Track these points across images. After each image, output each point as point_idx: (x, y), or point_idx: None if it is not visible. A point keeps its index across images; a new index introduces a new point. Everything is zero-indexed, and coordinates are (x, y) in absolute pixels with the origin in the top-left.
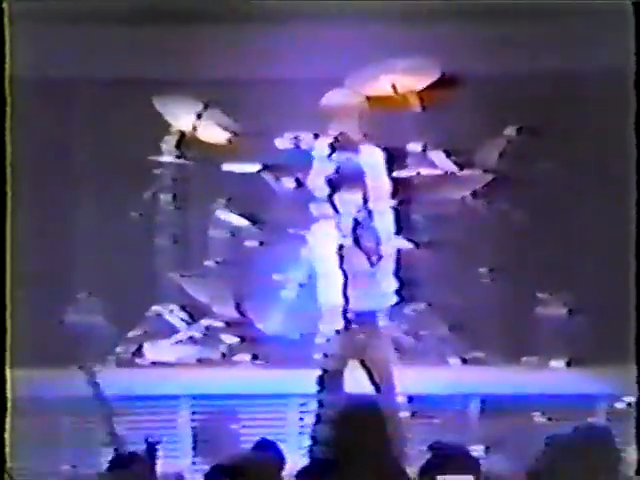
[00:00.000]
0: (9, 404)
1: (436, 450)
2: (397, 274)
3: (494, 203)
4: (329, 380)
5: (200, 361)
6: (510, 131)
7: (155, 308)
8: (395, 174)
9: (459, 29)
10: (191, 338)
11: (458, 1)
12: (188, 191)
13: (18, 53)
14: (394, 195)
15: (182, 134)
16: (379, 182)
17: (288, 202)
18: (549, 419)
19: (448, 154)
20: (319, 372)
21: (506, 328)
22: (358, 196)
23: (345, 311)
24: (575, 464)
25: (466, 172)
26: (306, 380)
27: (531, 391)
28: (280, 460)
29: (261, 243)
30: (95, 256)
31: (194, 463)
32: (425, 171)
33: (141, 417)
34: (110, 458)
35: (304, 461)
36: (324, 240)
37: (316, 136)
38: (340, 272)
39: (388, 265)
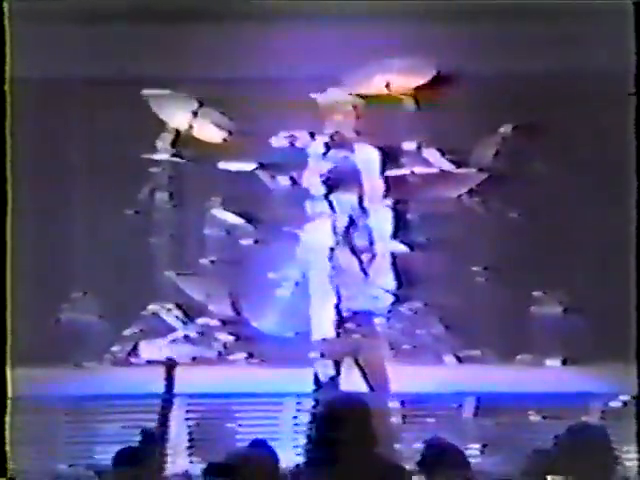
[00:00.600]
0: (9, 402)
1: (429, 446)
2: (392, 274)
3: (489, 202)
4: (325, 379)
5: (195, 360)
6: (505, 129)
7: (151, 307)
8: (390, 173)
9: (455, 28)
10: (187, 337)
11: (456, 1)
12: (184, 189)
13: (17, 53)
14: (389, 194)
15: (178, 133)
16: (374, 181)
17: (283, 200)
18: (544, 417)
19: (443, 153)
20: (314, 371)
21: (501, 327)
22: (353, 195)
23: (338, 310)
24: (571, 463)
25: (461, 170)
26: (302, 379)
27: (526, 389)
28: (274, 458)
29: (256, 241)
30: (91, 255)
31: (190, 462)
32: (420, 170)
33: (137, 415)
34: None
35: (299, 460)
36: (318, 239)
37: (311, 135)
38: (333, 271)
39: (381, 265)
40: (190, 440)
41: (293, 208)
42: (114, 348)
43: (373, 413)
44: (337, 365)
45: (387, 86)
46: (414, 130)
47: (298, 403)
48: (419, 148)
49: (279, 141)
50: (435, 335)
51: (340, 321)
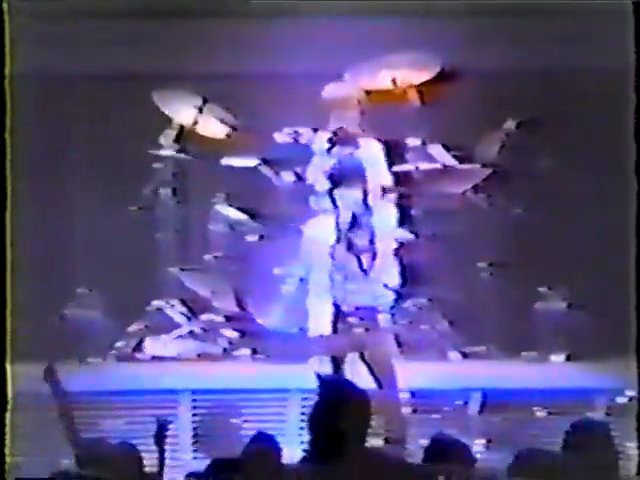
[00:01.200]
0: (10, 399)
1: (434, 442)
2: (396, 270)
3: (493, 197)
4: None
5: (200, 356)
6: (509, 125)
7: (155, 303)
8: (395, 168)
9: (460, 25)
10: (191, 333)
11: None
12: (188, 185)
13: (18, 49)
14: (393, 190)
15: (181, 128)
16: (379, 177)
17: (288, 196)
18: (549, 413)
19: (447, 148)
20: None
21: (506, 323)
22: (358, 191)
23: (337, 306)
24: (574, 459)
25: (465, 166)
26: (307, 374)
27: (531, 385)
28: (278, 453)
29: (261, 237)
30: (95, 251)
31: (195, 458)
32: (424, 165)
33: (141, 412)
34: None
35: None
36: (320, 235)
37: (315, 130)
38: (334, 267)
39: (385, 261)
40: (195, 436)
41: (297, 204)
42: (119, 344)
43: (370, 400)
44: (335, 362)
45: (393, 82)
46: (419, 126)
47: (303, 399)
48: (424, 144)
49: (283, 137)
50: (440, 331)
51: (341, 317)
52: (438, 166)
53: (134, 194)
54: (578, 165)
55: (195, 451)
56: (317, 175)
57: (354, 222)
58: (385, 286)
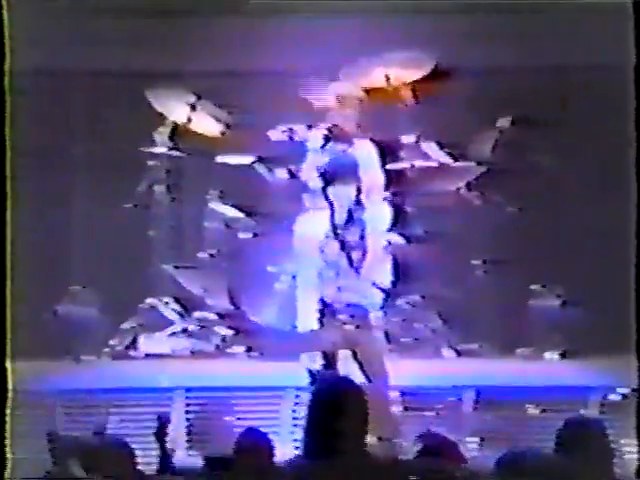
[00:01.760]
0: (9, 395)
1: (424, 439)
2: (387, 268)
3: (487, 195)
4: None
5: (194, 353)
6: (504, 122)
7: (149, 300)
8: (389, 166)
9: (454, 22)
10: (185, 330)
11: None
12: (182, 183)
13: (16, 47)
14: (388, 187)
15: (176, 126)
16: (373, 174)
17: (282, 194)
18: (543, 411)
19: (442, 146)
20: (313, 364)
21: (500, 320)
22: (351, 188)
23: (324, 302)
24: (569, 457)
25: (460, 164)
26: (300, 372)
27: (525, 383)
28: (270, 449)
29: (255, 235)
30: (89, 248)
31: (189, 455)
32: (418, 163)
33: (135, 409)
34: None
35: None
36: (310, 231)
37: (310, 128)
38: (323, 264)
39: (376, 259)
40: (189, 433)
41: (291, 201)
42: (112, 342)
43: (367, 397)
44: (326, 358)
45: (387, 79)
46: (412, 123)
47: (297, 396)
48: (417, 141)
49: (277, 134)
50: (433, 328)
51: (332, 314)
52: (432, 164)
53: (128, 191)
54: (572, 163)
55: (189, 448)
56: (311, 173)
57: (347, 219)
58: (374, 285)
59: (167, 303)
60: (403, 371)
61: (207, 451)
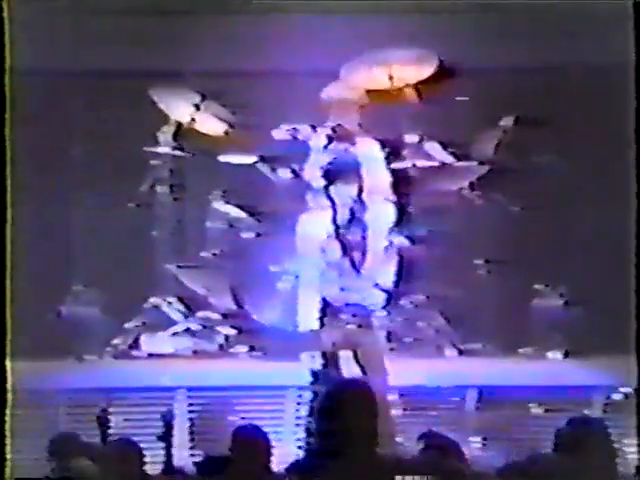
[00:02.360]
0: (9, 396)
1: (426, 439)
2: (390, 269)
3: (490, 194)
4: (324, 372)
5: (197, 353)
6: (506, 122)
7: (152, 300)
8: (391, 166)
9: (457, 21)
10: (188, 330)
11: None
12: (185, 182)
13: (17, 44)
14: (390, 187)
15: (179, 125)
16: (375, 174)
17: (285, 193)
18: (546, 410)
19: (444, 146)
20: (313, 364)
21: (503, 320)
22: (353, 187)
23: (326, 301)
24: (571, 457)
25: (462, 163)
26: (303, 372)
27: (528, 382)
28: (267, 445)
29: (258, 234)
30: (92, 248)
31: (191, 455)
32: (421, 162)
33: (137, 409)
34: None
35: (299, 453)
36: (312, 231)
37: (313, 127)
38: (326, 263)
39: (378, 259)
40: (191, 433)
41: (294, 201)
42: (115, 341)
43: (376, 399)
44: (326, 357)
45: (390, 79)
46: (415, 123)
47: (299, 396)
48: (420, 141)
49: (281, 134)
50: (436, 328)
51: (334, 313)
52: (435, 163)
53: (131, 191)
54: (575, 162)
55: (191, 448)
56: (314, 172)
57: (350, 219)
58: (376, 286)
59: (170, 303)
60: (406, 370)
61: (209, 451)
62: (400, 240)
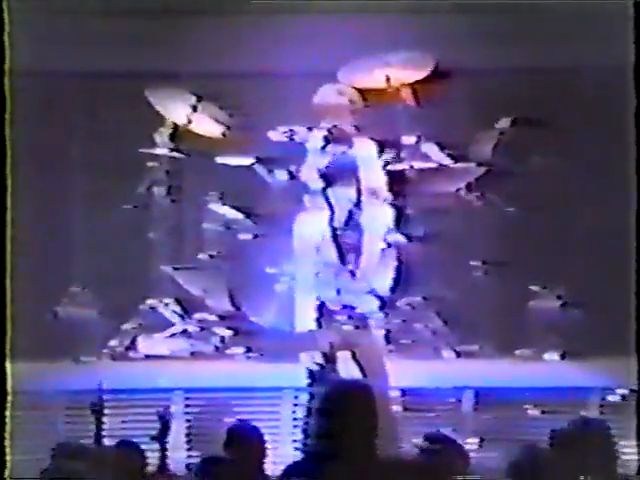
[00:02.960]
0: (9, 397)
1: (429, 441)
2: (386, 271)
3: (487, 196)
4: (321, 373)
5: (194, 354)
6: (504, 124)
7: (149, 301)
8: (388, 167)
9: (454, 22)
10: (185, 331)
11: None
12: (182, 184)
13: (16, 46)
14: (387, 188)
15: (176, 127)
16: (373, 175)
17: (282, 195)
18: (543, 412)
19: (442, 147)
20: (310, 365)
21: (500, 321)
22: (351, 189)
23: (322, 302)
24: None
25: (460, 165)
26: (300, 373)
27: (525, 384)
28: (262, 442)
29: (255, 236)
30: (89, 249)
31: (188, 456)
32: (418, 164)
33: (134, 410)
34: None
35: (296, 454)
36: (309, 232)
37: (310, 129)
38: (321, 265)
39: (375, 260)
40: (188, 434)
41: (291, 202)
42: (112, 343)
43: (375, 400)
44: (325, 358)
45: (387, 80)
46: (413, 124)
47: (296, 397)
48: (418, 142)
49: (278, 136)
50: (433, 329)
51: (331, 315)
52: (432, 165)
53: (128, 193)
54: (573, 164)
55: (189, 449)
56: (311, 174)
57: (347, 221)
58: (371, 292)
59: (167, 304)
60: (403, 372)
61: (206, 452)
62: (397, 237)
